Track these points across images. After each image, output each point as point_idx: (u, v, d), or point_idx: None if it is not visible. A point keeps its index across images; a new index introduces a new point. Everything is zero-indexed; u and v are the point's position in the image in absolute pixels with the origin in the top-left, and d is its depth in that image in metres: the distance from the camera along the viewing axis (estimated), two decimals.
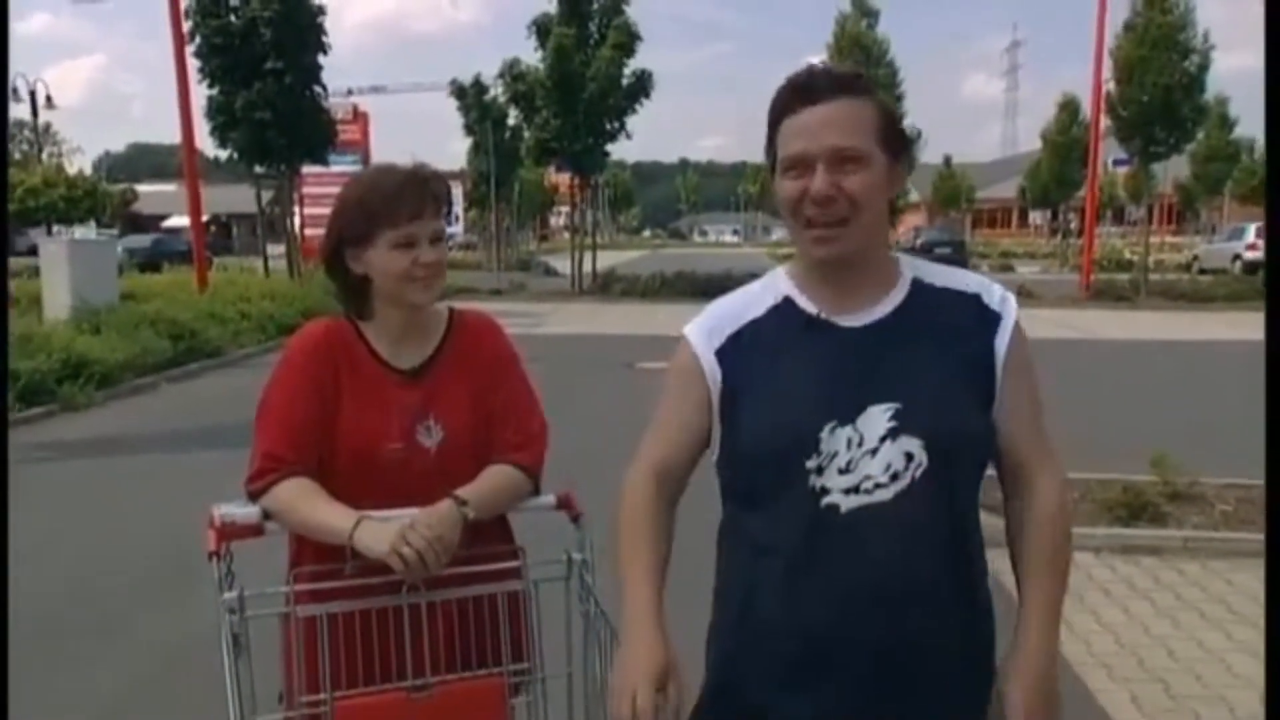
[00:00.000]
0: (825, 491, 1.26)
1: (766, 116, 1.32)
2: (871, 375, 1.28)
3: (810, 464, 1.26)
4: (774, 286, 1.39)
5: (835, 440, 1.25)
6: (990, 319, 1.34)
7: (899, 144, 1.30)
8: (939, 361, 1.30)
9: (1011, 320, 1.35)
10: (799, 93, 1.28)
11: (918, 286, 1.35)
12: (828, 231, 1.28)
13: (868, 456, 1.25)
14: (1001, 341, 1.33)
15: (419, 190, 1.65)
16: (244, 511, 1.60)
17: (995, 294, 1.37)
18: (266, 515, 1.61)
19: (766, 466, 1.29)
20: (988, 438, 1.34)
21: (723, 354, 1.34)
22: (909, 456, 1.26)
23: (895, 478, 1.25)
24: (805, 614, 1.29)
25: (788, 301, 1.34)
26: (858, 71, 1.40)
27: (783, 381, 1.29)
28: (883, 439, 1.25)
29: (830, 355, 1.29)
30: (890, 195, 1.32)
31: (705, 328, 1.39)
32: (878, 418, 1.26)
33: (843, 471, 1.25)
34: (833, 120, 1.25)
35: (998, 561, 1.42)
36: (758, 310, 1.36)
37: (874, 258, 1.34)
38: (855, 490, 1.25)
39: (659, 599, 1.29)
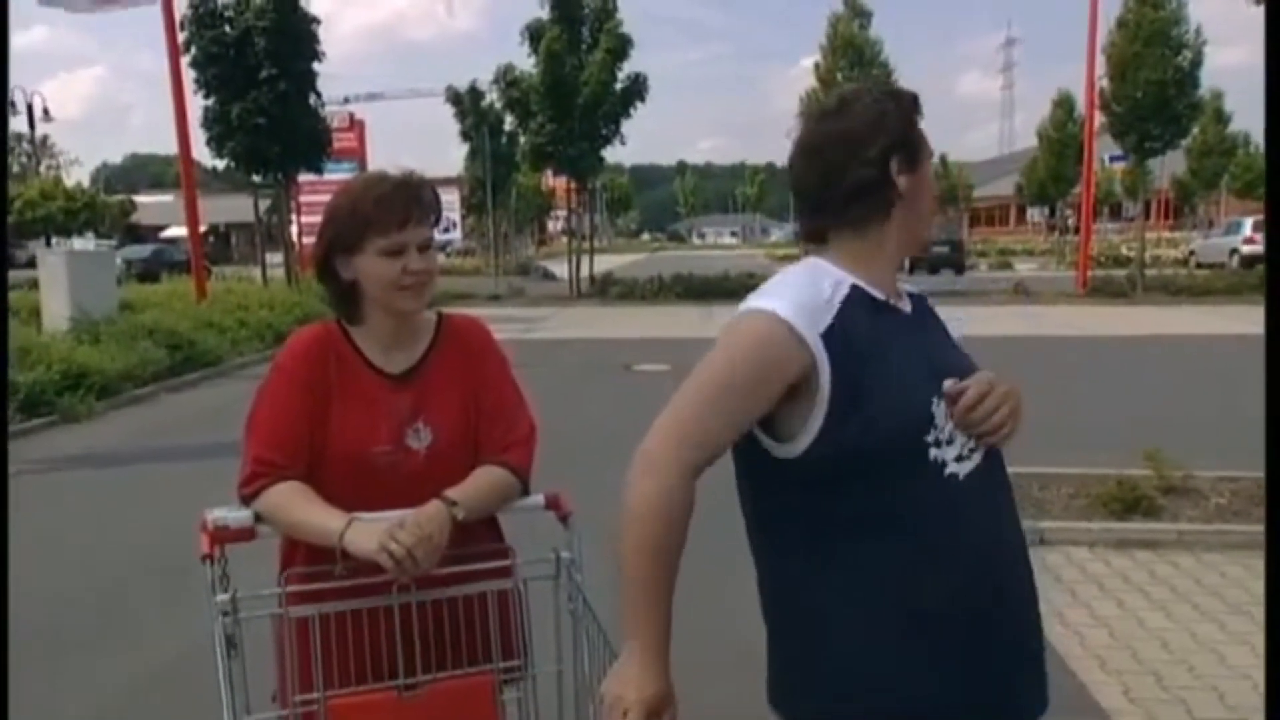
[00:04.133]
0: (944, 464, 1.32)
1: (890, 118, 1.38)
2: (937, 352, 1.40)
3: (929, 438, 1.31)
4: (833, 276, 1.37)
5: (939, 414, 1.32)
6: (930, 308, 1.55)
7: None
8: (951, 345, 1.47)
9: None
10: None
11: None
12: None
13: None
14: (952, 328, 1.55)
15: (408, 198, 1.68)
16: (236, 515, 1.63)
17: (915, 290, 1.57)
18: (258, 519, 1.63)
19: (895, 449, 1.31)
20: None
21: (829, 338, 1.29)
22: None
23: (976, 443, 1.36)
24: (965, 591, 1.32)
25: (857, 289, 1.36)
26: None
27: (892, 363, 1.32)
28: None
29: (911, 336, 1.38)
30: None
31: (803, 309, 1.30)
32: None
33: (949, 443, 1.33)
34: None
35: None
36: (838, 294, 1.34)
37: None
38: (961, 458, 1.33)
39: (670, 625, 1.31)
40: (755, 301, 1.35)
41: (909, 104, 1.41)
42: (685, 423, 1.30)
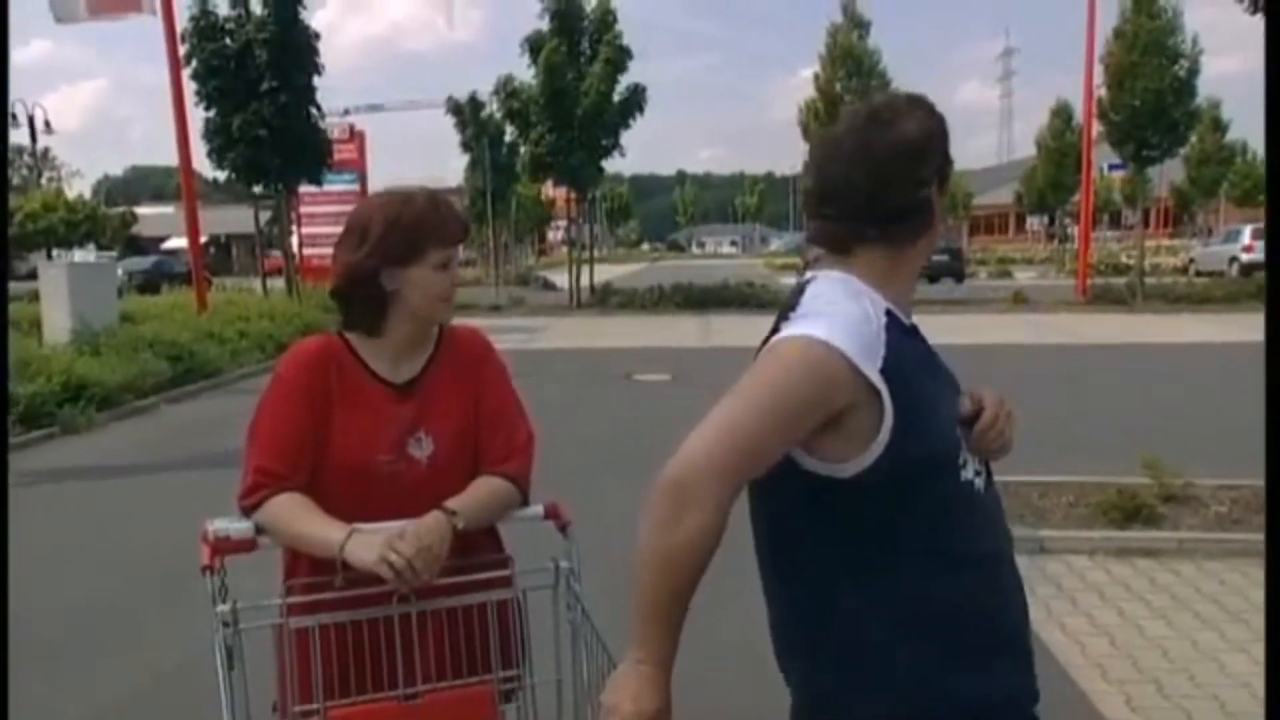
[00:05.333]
0: (970, 481, 1.38)
1: (937, 139, 1.39)
2: (946, 373, 1.45)
3: (960, 459, 1.36)
4: (871, 299, 1.35)
5: (962, 434, 1.39)
6: None
7: None
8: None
9: None
10: None
11: None
12: None
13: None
14: None
15: (459, 217, 1.78)
16: (237, 526, 1.64)
17: None
18: (259, 530, 1.64)
19: (944, 472, 1.35)
20: None
21: (887, 370, 1.28)
22: None
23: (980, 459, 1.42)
24: (1003, 600, 1.39)
25: (891, 315, 1.36)
26: None
27: (933, 391, 1.37)
28: None
29: (932, 359, 1.43)
30: None
31: (859, 342, 1.28)
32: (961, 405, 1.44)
33: (968, 459, 1.39)
34: None
35: None
36: (882, 324, 1.33)
37: None
38: (977, 472, 1.40)
39: (677, 646, 1.29)
40: (805, 326, 1.29)
41: (944, 122, 1.42)
42: (730, 455, 1.23)
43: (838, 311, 1.31)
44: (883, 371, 1.28)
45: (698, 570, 1.24)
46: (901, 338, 1.35)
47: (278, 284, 18.77)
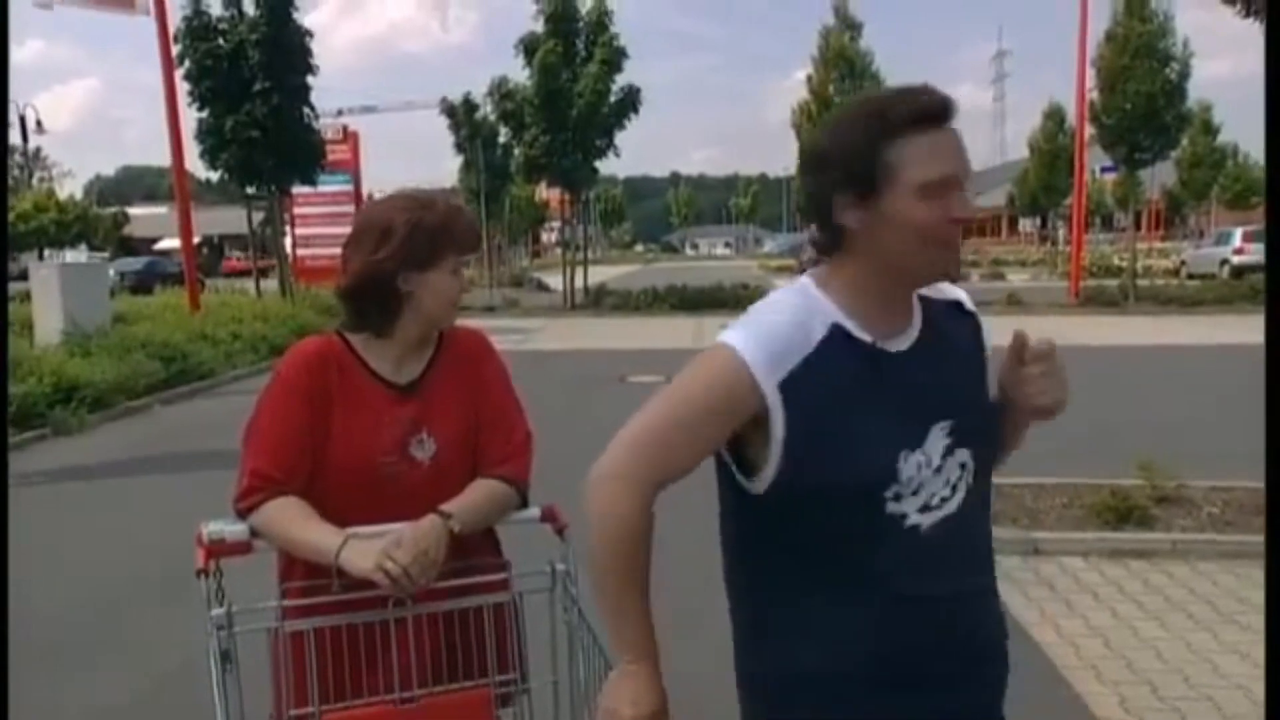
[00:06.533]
0: (905, 516, 1.28)
1: (866, 132, 1.24)
2: (927, 396, 1.31)
3: (888, 494, 1.27)
4: (820, 310, 1.30)
5: (909, 467, 1.28)
6: (972, 322, 1.42)
7: None
8: (964, 372, 1.37)
9: (981, 318, 1.44)
10: (932, 111, 1.24)
11: (919, 300, 1.37)
12: (959, 251, 1.29)
13: (933, 474, 1.30)
14: (988, 341, 1.42)
15: (475, 225, 1.82)
16: (233, 529, 1.63)
17: (962, 296, 1.44)
18: (254, 533, 1.63)
19: (848, 504, 1.27)
20: None
21: (787, 389, 1.24)
22: (963, 467, 1.32)
23: (954, 489, 1.31)
24: (910, 637, 1.29)
25: (839, 330, 1.28)
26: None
27: (855, 419, 1.26)
28: (944, 455, 1.30)
29: (892, 383, 1.29)
30: None
31: (764, 353, 1.25)
32: (939, 436, 1.30)
33: (914, 493, 1.28)
34: (961, 144, 1.26)
35: None
36: (811, 339, 1.28)
37: None
38: (927, 508, 1.29)
39: (654, 633, 1.31)
40: (729, 332, 1.29)
41: (878, 127, 1.23)
42: (638, 456, 1.30)
43: (764, 319, 1.30)
44: (784, 386, 1.24)
45: (625, 561, 1.29)
46: (840, 353, 1.27)
47: (269, 284, 18.71)
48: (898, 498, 1.27)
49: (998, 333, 1.42)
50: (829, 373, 1.26)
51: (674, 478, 1.31)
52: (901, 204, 1.23)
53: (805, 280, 1.35)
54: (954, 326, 1.39)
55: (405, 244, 1.68)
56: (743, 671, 1.41)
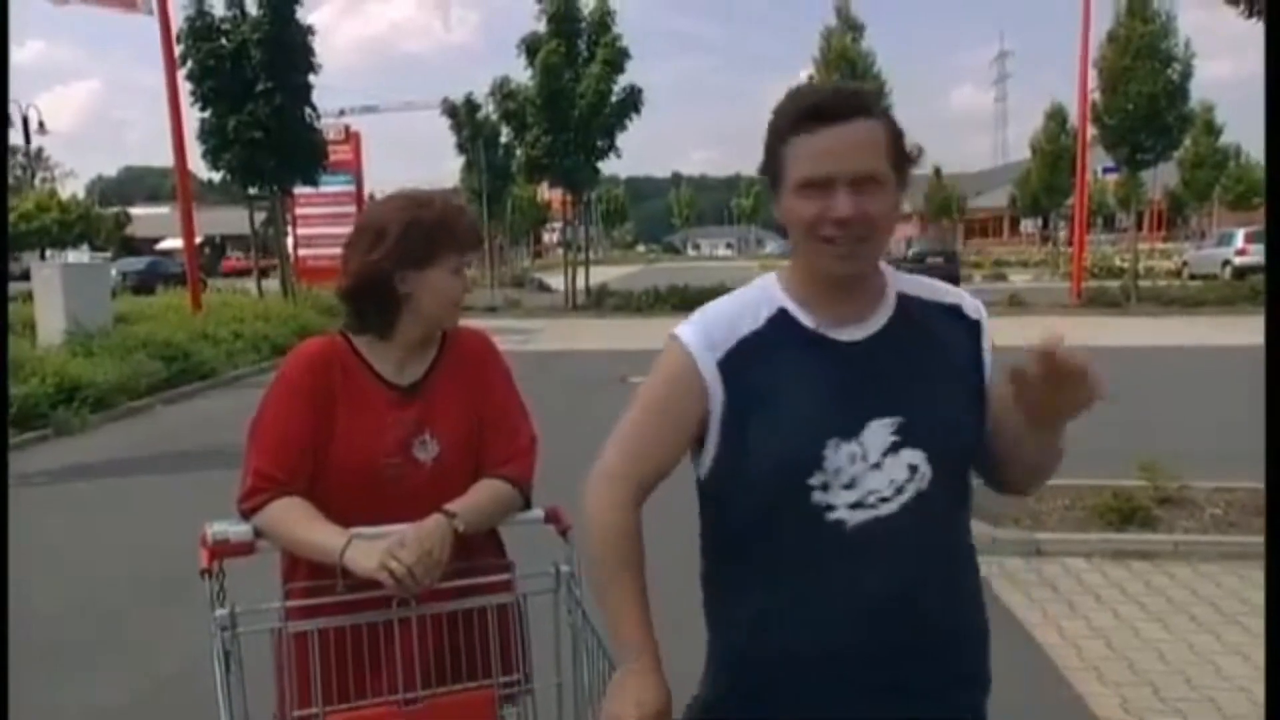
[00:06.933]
0: (830, 508, 1.26)
1: (770, 130, 1.29)
2: (872, 389, 1.28)
3: (814, 481, 1.25)
4: (768, 297, 1.34)
5: (838, 456, 1.25)
6: (972, 328, 1.39)
7: (905, 163, 1.30)
8: (935, 373, 1.32)
9: (988, 326, 1.41)
10: (816, 111, 1.25)
11: (902, 299, 1.36)
12: (848, 249, 1.26)
13: (871, 471, 1.26)
14: (987, 348, 1.39)
15: (474, 224, 1.81)
16: (236, 530, 1.62)
17: (969, 302, 1.41)
18: (258, 533, 1.63)
19: (771, 487, 1.27)
20: (979, 445, 1.36)
21: (725, 367, 1.28)
22: (912, 469, 1.27)
23: (900, 491, 1.27)
24: (824, 632, 1.28)
25: (784, 314, 1.31)
26: (872, 90, 1.40)
27: (785, 399, 1.27)
28: (885, 453, 1.27)
29: (831, 370, 1.29)
30: (898, 212, 1.33)
31: (705, 336, 1.31)
32: (879, 432, 1.27)
33: (847, 487, 1.26)
34: (854, 142, 1.24)
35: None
36: (755, 322, 1.32)
37: (873, 271, 1.35)
38: (860, 505, 1.26)
39: (652, 631, 1.31)
40: (681, 325, 1.34)
41: (775, 127, 1.29)
42: (633, 433, 1.36)
43: (710, 308, 1.37)
44: (722, 364, 1.29)
45: (615, 558, 1.32)
46: (784, 338, 1.30)
47: (271, 284, 18.73)
48: (825, 487, 1.26)
49: (1001, 333, 1.41)
50: (767, 352, 1.30)
51: (657, 473, 1.35)
52: (788, 201, 1.28)
53: (771, 274, 1.40)
54: (943, 329, 1.36)
55: (400, 243, 1.67)
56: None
